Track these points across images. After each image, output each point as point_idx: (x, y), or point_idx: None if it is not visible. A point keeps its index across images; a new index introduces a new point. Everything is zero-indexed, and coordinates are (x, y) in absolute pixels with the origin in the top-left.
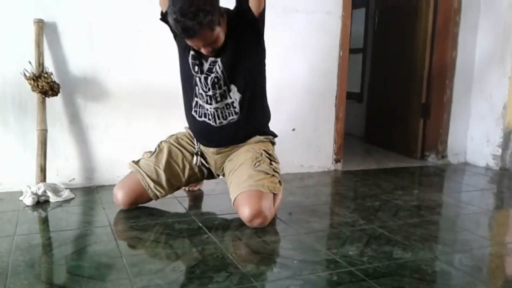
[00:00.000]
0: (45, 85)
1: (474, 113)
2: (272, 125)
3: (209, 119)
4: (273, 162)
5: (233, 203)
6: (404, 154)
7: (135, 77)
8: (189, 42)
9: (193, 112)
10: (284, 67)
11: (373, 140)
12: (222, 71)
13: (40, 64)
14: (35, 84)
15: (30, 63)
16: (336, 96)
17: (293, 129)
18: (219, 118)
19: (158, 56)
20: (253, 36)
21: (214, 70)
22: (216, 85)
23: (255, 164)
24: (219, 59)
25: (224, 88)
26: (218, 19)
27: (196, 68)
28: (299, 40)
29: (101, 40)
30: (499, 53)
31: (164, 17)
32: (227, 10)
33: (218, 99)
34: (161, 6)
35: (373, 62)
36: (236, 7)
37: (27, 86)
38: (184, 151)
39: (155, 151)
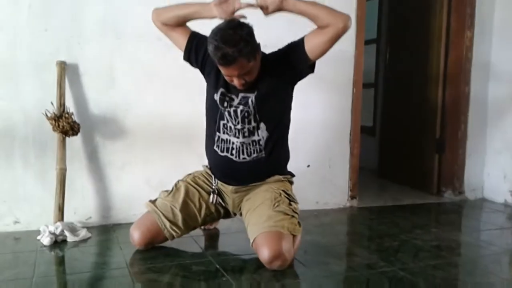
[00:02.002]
0: (66, 125)
1: (490, 149)
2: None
3: (231, 153)
4: (292, 203)
5: (252, 243)
6: (419, 190)
7: (152, 116)
8: (223, 71)
9: (215, 147)
10: (299, 104)
11: (386, 174)
12: (254, 107)
13: (62, 104)
14: (56, 124)
15: (52, 103)
16: (350, 132)
17: (308, 166)
18: (243, 154)
19: (175, 96)
20: (293, 79)
21: (245, 103)
22: (246, 119)
23: (274, 204)
24: (252, 95)
25: (254, 124)
26: (255, 53)
27: (225, 103)
28: (313, 77)
29: (120, 81)
30: None
31: (185, 57)
32: (263, 53)
33: (246, 134)
34: (157, 19)
35: (385, 96)
36: (289, 49)
37: (48, 125)
38: (201, 190)
39: (172, 190)
